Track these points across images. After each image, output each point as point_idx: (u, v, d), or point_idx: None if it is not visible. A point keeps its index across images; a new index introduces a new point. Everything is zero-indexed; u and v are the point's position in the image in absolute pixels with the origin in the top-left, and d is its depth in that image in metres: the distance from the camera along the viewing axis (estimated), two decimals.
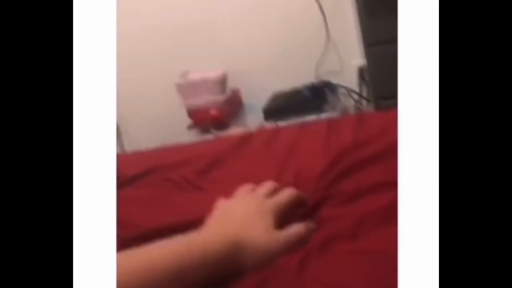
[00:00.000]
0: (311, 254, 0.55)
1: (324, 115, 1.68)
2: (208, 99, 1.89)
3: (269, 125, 1.73)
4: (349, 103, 1.91)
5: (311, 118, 1.64)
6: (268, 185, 0.62)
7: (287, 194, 0.60)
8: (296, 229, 0.56)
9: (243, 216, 0.57)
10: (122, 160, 0.95)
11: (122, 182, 0.82)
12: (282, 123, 1.64)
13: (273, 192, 0.60)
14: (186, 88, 1.93)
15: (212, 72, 1.95)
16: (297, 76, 1.93)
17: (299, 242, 0.55)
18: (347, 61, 1.96)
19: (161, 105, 2.08)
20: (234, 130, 1.71)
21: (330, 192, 0.67)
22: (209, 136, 1.77)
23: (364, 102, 1.91)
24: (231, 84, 1.96)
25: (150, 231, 0.66)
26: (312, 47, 1.93)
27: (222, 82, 1.91)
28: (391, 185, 0.64)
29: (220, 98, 1.90)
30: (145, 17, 2.00)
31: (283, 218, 0.57)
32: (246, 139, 0.94)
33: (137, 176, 0.86)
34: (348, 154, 0.75)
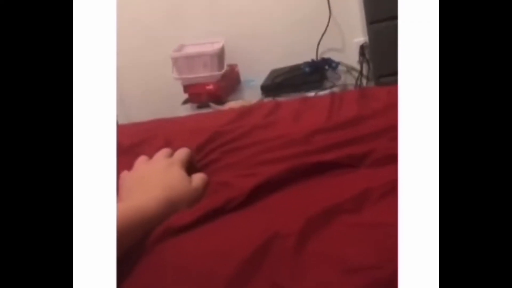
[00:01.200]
0: (312, 225, 0.52)
1: (323, 92, 1.65)
2: (204, 73, 1.85)
3: (268, 101, 1.70)
4: (349, 81, 1.88)
5: (310, 95, 1.61)
6: (161, 152, 0.68)
7: (182, 151, 0.68)
8: (200, 175, 0.64)
9: (161, 176, 0.62)
10: (120, 130, 0.92)
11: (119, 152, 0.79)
12: (280, 100, 1.61)
13: (170, 154, 0.68)
14: (182, 62, 1.88)
15: (209, 46, 1.90)
16: (298, 54, 1.90)
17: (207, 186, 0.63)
18: (349, 39, 1.92)
19: (156, 78, 2.04)
20: (234, 103, 1.67)
21: (334, 157, 0.64)
22: (206, 110, 1.73)
23: (364, 79, 1.88)
24: (229, 60, 1.92)
25: None
26: (314, 25, 1.89)
27: (219, 56, 1.87)
28: (395, 158, 0.62)
29: (217, 73, 1.86)
30: None
31: (188, 171, 0.65)
32: (246, 112, 0.91)
33: (134, 146, 0.83)
34: (351, 125, 0.72)
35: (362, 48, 1.87)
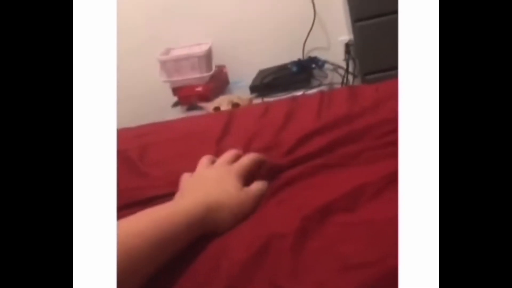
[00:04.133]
0: (308, 224, 0.54)
1: (311, 91, 1.67)
2: (193, 75, 1.86)
3: (256, 101, 1.72)
4: (336, 79, 1.90)
5: (298, 94, 1.63)
6: (228, 154, 0.67)
7: (247, 158, 0.66)
8: (257, 185, 0.62)
9: (212, 182, 0.61)
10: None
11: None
12: (268, 100, 1.63)
13: (235, 158, 0.66)
14: (170, 65, 1.89)
15: (197, 48, 1.91)
16: (284, 53, 1.91)
17: (262, 195, 0.61)
18: (334, 38, 1.94)
19: (144, 82, 2.04)
20: (222, 98, 1.68)
21: (325, 159, 0.66)
22: (196, 113, 1.74)
23: (350, 77, 1.91)
24: (217, 61, 1.93)
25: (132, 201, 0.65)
26: (299, 24, 1.91)
27: (207, 58, 1.88)
28: (387, 156, 0.64)
29: (205, 74, 1.87)
30: None
31: (247, 178, 0.63)
32: (236, 114, 0.92)
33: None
34: (342, 124, 0.74)
35: (347, 46, 1.89)
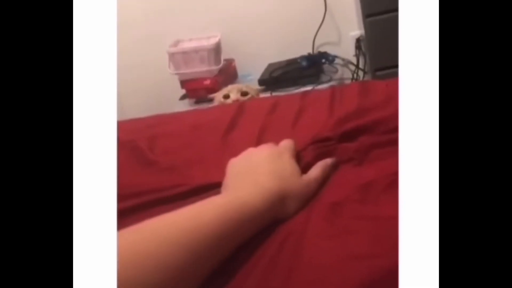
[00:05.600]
0: (317, 217, 0.53)
1: (321, 86, 1.65)
2: (201, 68, 1.85)
3: (265, 95, 1.70)
4: (346, 74, 1.88)
5: (307, 89, 1.61)
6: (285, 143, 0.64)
7: (286, 142, 0.63)
8: (318, 168, 0.59)
9: (268, 164, 0.57)
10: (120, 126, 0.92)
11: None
12: (277, 94, 1.61)
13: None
14: (178, 57, 1.88)
15: (206, 41, 1.90)
16: (294, 47, 1.90)
17: (325, 179, 0.58)
18: (345, 32, 1.92)
19: (153, 74, 2.03)
20: (230, 87, 1.67)
21: (337, 155, 0.65)
22: (204, 106, 1.73)
23: (361, 73, 1.89)
24: (225, 55, 1.92)
25: (155, 198, 0.63)
26: (310, 18, 1.89)
27: (216, 51, 1.86)
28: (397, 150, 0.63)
29: (214, 67, 1.86)
30: None
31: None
32: (245, 106, 0.91)
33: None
34: (353, 119, 0.72)
35: (358, 41, 1.87)
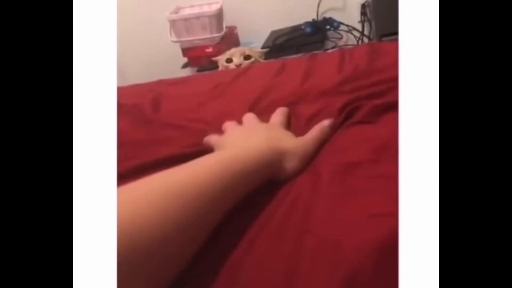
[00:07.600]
0: (327, 178, 0.51)
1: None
2: (203, 36, 1.81)
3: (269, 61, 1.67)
4: (350, 41, 1.84)
5: None
6: (248, 115, 0.65)
7: (277, 114, 0.64)
8: (316, 129, 0.59)
9: (262, 132, 0.59)
10: (121, 92, 0.90)
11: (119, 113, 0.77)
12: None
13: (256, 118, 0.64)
14: (179, 24, 1.84)
15: (207, 7, 1.86)
16: (298, 14, 1.85)
17: (324, 139, 0.58)
18: None
19: (154, 41, 2.00)
20: (234, 50, 1.63)
21: (349, 116, 0.63)
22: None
23: (366, 39, 1.85)
24: (227, 22, 1.88)
25: (155, 160, 0.62)
26: None
27: (218, 18, 1.82)
28: None
29: (216, 35, 1.82)
30: None
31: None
32: (251, 70, 0.89)
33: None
34: (365, 79, 0.70)
35: (363, 7, 1.82)
